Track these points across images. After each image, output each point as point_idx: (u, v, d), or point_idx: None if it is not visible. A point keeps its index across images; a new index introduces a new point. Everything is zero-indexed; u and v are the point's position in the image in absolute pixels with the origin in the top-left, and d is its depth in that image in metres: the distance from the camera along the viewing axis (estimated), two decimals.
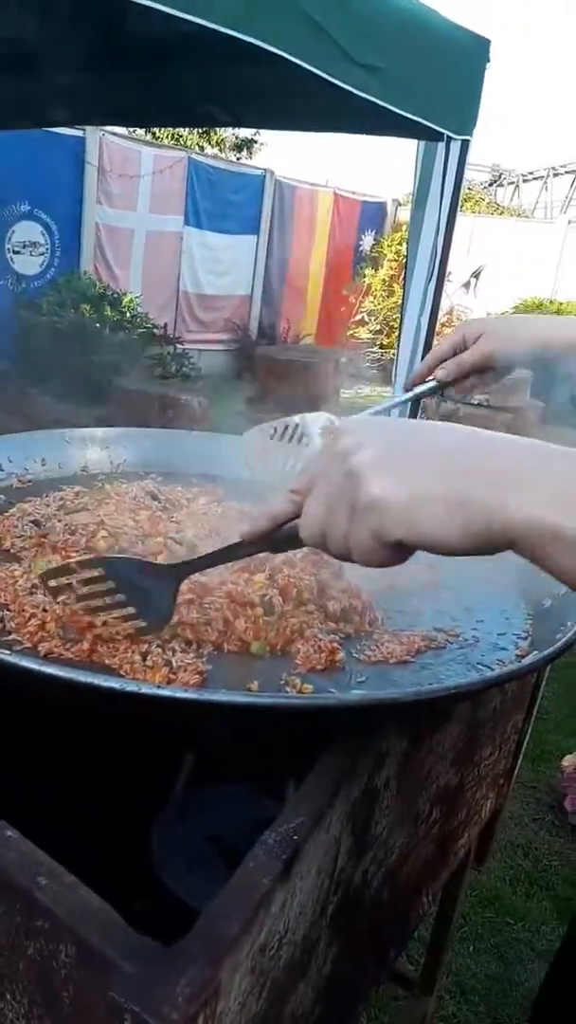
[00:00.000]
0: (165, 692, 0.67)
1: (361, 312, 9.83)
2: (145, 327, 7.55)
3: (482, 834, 1.38)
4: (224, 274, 9.05)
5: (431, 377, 1.25)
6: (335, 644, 0.86)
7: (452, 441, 0.55)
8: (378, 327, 9.76)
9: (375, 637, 0.94)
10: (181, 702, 0.67)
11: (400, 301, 9.78)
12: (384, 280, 9.77)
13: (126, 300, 7.38)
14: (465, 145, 3.43)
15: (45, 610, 0.87)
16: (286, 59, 2.40)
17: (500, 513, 0.50)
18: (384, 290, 9.76)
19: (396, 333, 9.52)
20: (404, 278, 3.84)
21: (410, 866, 1.07)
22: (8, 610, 0.89)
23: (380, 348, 9.64)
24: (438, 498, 0.52)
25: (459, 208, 3.58)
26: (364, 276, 9.91)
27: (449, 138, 3.39)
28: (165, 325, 8.20)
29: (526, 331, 1.21)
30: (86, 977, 0.55)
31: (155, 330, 7.87)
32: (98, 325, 6.89)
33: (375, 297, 9.82)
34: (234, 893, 0.59)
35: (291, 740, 0.87)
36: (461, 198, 3.65)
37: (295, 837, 0.65)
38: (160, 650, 0.81)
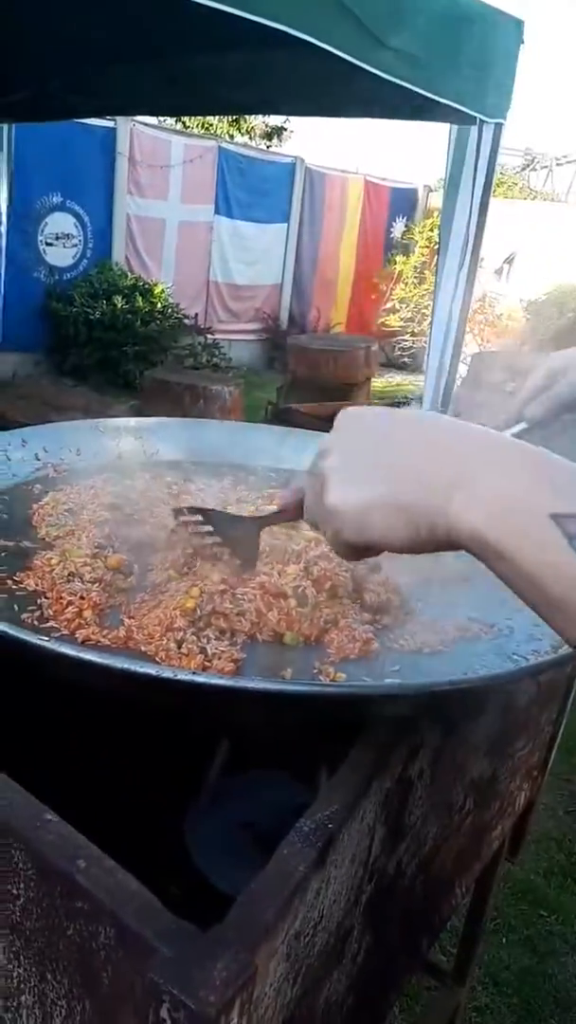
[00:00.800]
0: (200, 679, 0.68)
1: (392, 300, 9.75)
2: (176, 317, 7.58)
3: (516, 826, 1.37)
4: (254, 263, 9.03)
5: (519, 419, 1.14)
6: (369, 635, 0.86)
7: (409, 442, 0.55)
8: (409, 315, 9.67)
9: (409, 627, 0.94)
10: (216, 688, 0.67)
11: (432, 288, 9.68)
12: (415, 267, 9.66)
13: (157, 290, 7.40)
14: (498, 128, 3.38)
15: (83, 598, 0.88)
16: (315, 45, 2.37)
17: (443, 520, 0.50)
18: (415, 277, 9.65)
19: (428, 321, 9.44)
20: (436, 264, 3.80)
21: (443, 857, 1.07)
22: (45, 597, 0.90)
23: (411, 336, 9.56)
24: (385, 506, 0.53)
25: (491, 193, 3.53)
26: (395, 263, 9.82)
27: (482, 122, 3.35)
28: (196, 315, 8.22)
29: None
30: (124, 959, 0.56)
31: (186, 320, 7.90)
32: (130, 316, 6.93)
33: (406, 284, 9.72)
34: (269, 879, 0.60)
35: (324, 728, 0.87)
36: (494, 183, 3.60)
37: (329, 825, 0.65)
38: (195, 638, 0.82)
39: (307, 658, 0.85)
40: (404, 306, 9.68)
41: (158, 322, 7.26)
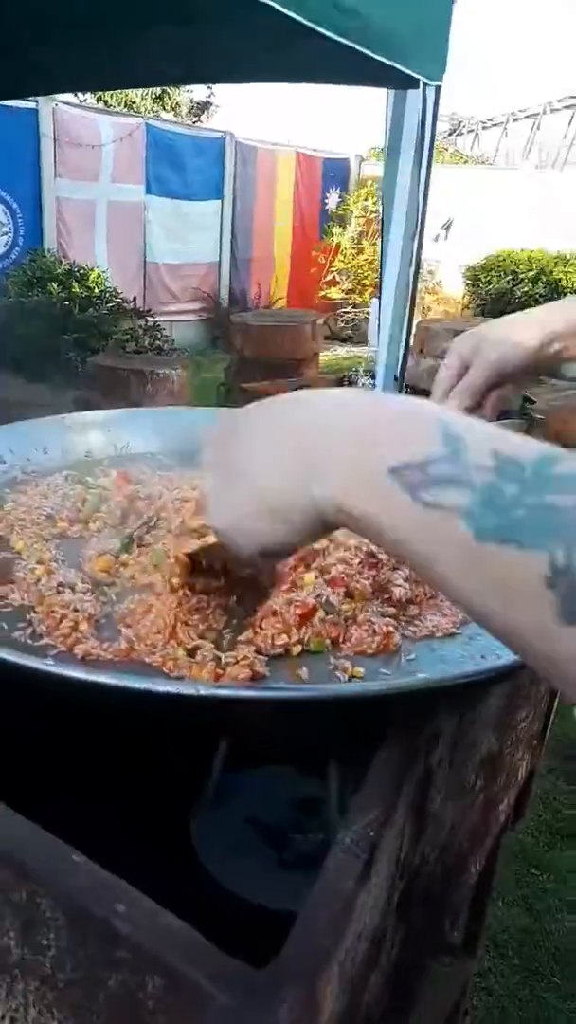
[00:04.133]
0: (224, 692, 0.63)
1: (332, 272, 9.69)
2: (114, 302, 7.39)
3: (519, 796, 1.36)
4: (190, 242, 8.87)
5: None
6: (390, 628, 0.82)
7: (265, 440, 0.53)
8: (350, 286, 9.64)
9: (412, 610, 0.91)
10: (244, 701, 0.63)
11: (371, 258, 9.63)
12: (353, 238, 9.61)
13: (93, 275, 7.21)
14: (437, 91, 3.34)
15: (76, 609, 0.83)
16: (267, 5, 2.26)
17: (311, 504, 0.49)
18: (353, 248, 9.61)
19: (369, 291, 9.40)
20: (381, 233, 3.75)
21: (460, 838, 1.05)
22: (35, 612, 0.84)
23: (353, 307, 9.53)
24: (255, 512, 0.53)
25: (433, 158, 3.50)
26: (332, 235, 9.75)
27: (424, 84, 3.29)
28: (134, 298, 8.03)
29: (526, 328, 1.05)
30: (177, 1008, 0.51)
31: (124, 304, 7.72)
32: (67, 303, 6.74)
33: (344, 256, 9.68)
34: (320, 901, 0.56)
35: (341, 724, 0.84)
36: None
37: (371, 833, 0.62)
38: (212, 645, 0.77)
39: (319, 654, 0.81)
40: (344, 278, 9.64)
41: (96, 308, 7.07)
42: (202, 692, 0.59)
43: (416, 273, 3.59)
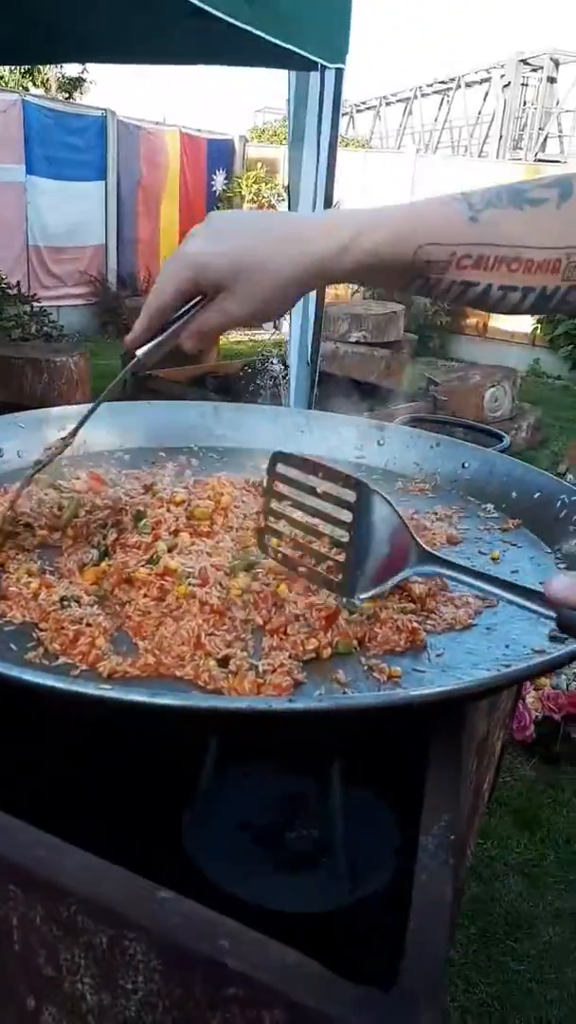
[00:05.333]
0: (292, 706, 0.60)
1: None
2: None
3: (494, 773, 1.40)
4: (73, 224, 8.55)
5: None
6: (414, 624, 0.81)
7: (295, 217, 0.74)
8: None
9: (434, 605, 0.90)
10: (302, 715, 0.60)
11: None
12: None
13: None
14: (339, 74, 3.33)
15: (89, 624, 0.78)
16: None
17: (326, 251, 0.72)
18: None
19: None
20: None
21: (464, 825, 1.06)
22: (40, 629, 0.79)
23: None
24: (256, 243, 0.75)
25: (339, 141, 3.50)
26: None
27: (323, 67, 3.28)
28: (18, 283, 7.69)
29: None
30: None
31: (8, 289, 7.38)
32: None
33: None
34: (424, 914, 0.54)
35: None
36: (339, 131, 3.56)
37: (452, 837, 0.61)
38: (245, 654, 0.74)
39: (348, 656, 0.80)
40: None
41: None
42: (301, 707, 0.56)
43: None
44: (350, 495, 0.75)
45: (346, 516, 0.75)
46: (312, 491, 0.78)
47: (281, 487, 0.81)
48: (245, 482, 1.13)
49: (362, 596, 0.76)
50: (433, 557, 0.75)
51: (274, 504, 0.82)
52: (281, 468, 0.80)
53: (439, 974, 0.51)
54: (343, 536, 0.76)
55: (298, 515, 0.80)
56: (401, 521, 0.75)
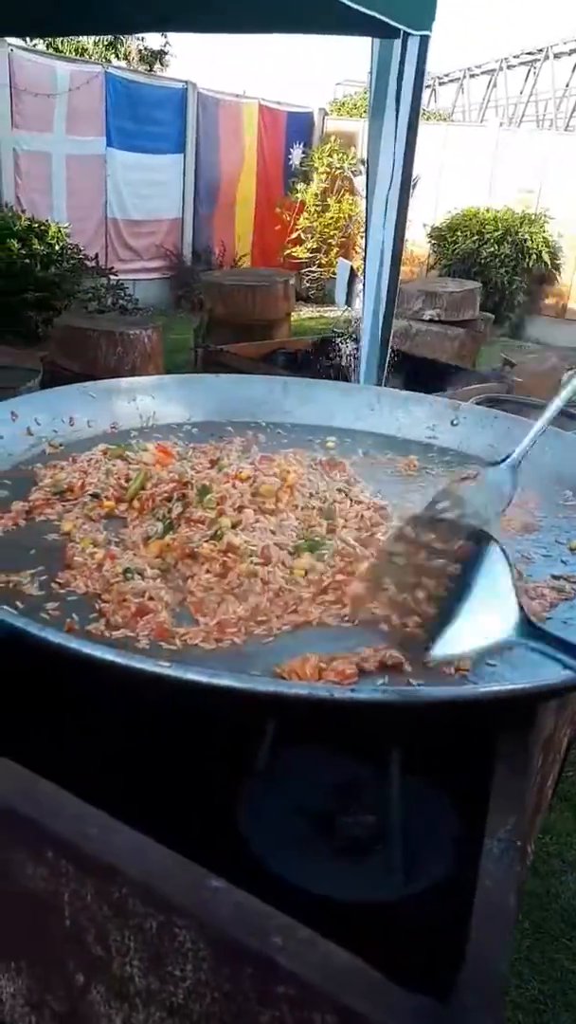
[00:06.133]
0: (353, 696, 0.58)
1: (297, 230, 9.49)
2: (75, 259, 7.13)
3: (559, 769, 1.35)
4: (152, 197, 8.57)
5: None
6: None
7: None
8: (315, 245, 9.45)
9: None
10: (363, 705, 0.58)
11: (336, 217, 9.46)
12: (317, 195, 9.41)
13: (53, 231, 6.93)
14: (424, 42, 3.21)
15: (152, 598, 0.76)
16: None
17: None
18: (318, 205, 9.41)
19: (335, 250, 9.25)
20: (366, 191, 3.65)
21: (526, 824, 1.02)
22: (103, 600, 0.78)
23: (319, 267, 9.37)
24: None
25: (420, 114, 3.39)
26: (297, 192, 9.52)
27: (407, 34, 3.17)
28: (96, 256, 7.77)
29: None
30: None
31: (86, 262, 7.46)
32: (27, 260, 6.47)
33: (309, 213, 9.47)
34: (487, 921, 0.52)
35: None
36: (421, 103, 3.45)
37: (518, 843, 0.58)
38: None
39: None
40: (309, 236, 9.45)
41: (58, 265, 6.82)
42: (364, 697, 0.53)
43: (400, 231, 3.50)
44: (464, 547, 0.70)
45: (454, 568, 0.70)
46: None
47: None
48: (313, 460, 1.10)
49: (436, 655, 0.71)
50: (539, 633, 0.69)
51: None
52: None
53: (499, 990, 0.48)
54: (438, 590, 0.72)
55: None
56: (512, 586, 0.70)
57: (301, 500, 0.98)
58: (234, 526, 0.87)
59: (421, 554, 0.74)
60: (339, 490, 1.02)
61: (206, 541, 0.86)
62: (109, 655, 0.57)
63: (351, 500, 1.00)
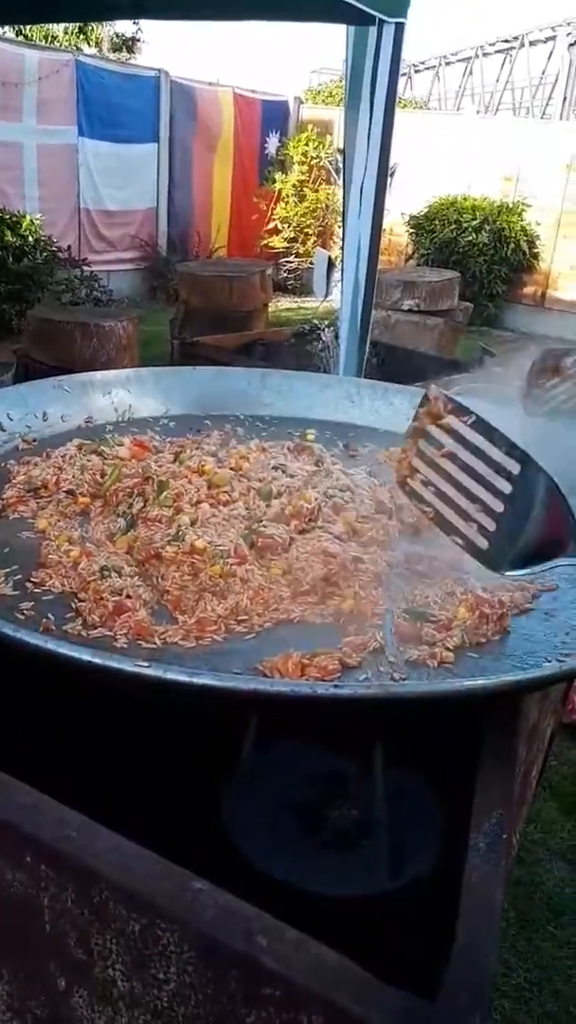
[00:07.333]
0: (336, 692, 0.57)
1: (273, 220, 9.44)
2: (49, 251, 7.05)
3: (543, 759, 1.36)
4: (125, 187, 8.48)
5: None
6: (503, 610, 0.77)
7: None
8: (292, 235, 9.41)
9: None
10: (346, 701, 0.57)
11: (313, 206, 9.40)
12: (295, 185, 9.36)
13: (26, 222, 6.84)
14: (399, 29, 3.19)
15: (129, 596, 0.75)
16: None
17: None
18: (295, 195, 9.37)
19: (312, 240, 9.20)
20: (343, 180, 3.63)
21: (512, 816, 1.02)
22: (79, 600, 0.77)
23: (296, 257, 9.33)
24: None
25: (397, 101, 3.37)
26: (273, 181, 9.47)
27: (382, 21, 3.15)
28: (69, 247, 7.69)
29: None
30: None
31: (59, 253, 7.37)
32: (1, 252, 6.39)
33: (286, 203, 9.43)
34: (474, 919, 0.51)
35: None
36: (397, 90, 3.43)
37: (504, 836, 0.58)
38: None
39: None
40: (286, 226, 9.41)
41: (31, 257, 6.73)
42: (346, 693, 0.53)
43: (378, 221, 3.48)
44: (513, 464, 0.68)
45: (504, 486, 0.68)
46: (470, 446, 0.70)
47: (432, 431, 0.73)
48: (280, 446, 1.09)
49: (509, 574, 0.70)
50: None
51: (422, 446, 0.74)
52: (435, 408, 0.73)
53: (487, 986, 0.47)
54: (496, 505, 0.70)
55: (449, 467, 0.73)
56: (565, 504, 0.68)
57: (250, 485, 0.98)
58: (193, 523, 0.86)
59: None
60: (274, 467, 1.02)
61: (168, 544, 0.84)
62: (87, 655, 0.56)
63: (287, 476, 1.01)
